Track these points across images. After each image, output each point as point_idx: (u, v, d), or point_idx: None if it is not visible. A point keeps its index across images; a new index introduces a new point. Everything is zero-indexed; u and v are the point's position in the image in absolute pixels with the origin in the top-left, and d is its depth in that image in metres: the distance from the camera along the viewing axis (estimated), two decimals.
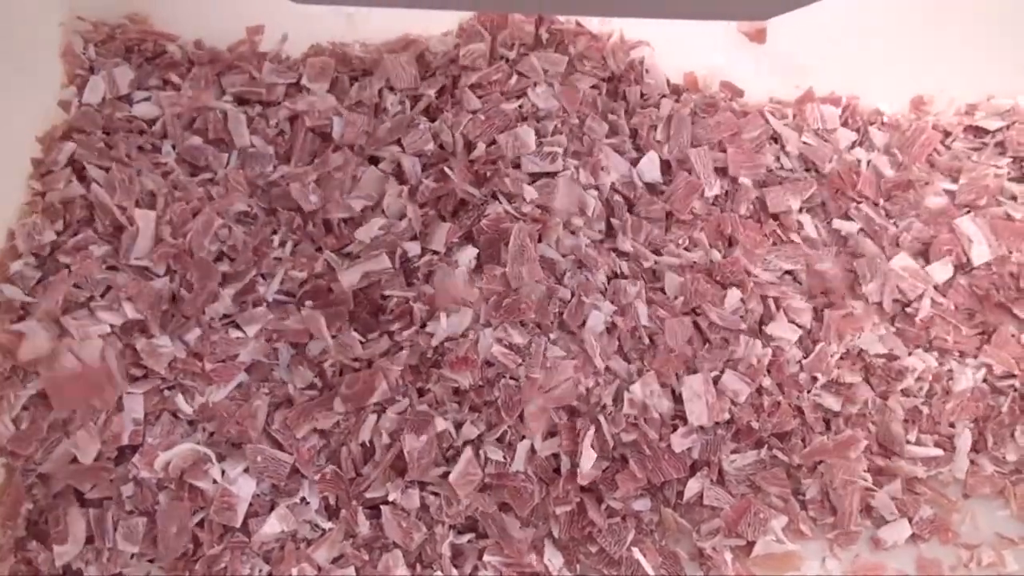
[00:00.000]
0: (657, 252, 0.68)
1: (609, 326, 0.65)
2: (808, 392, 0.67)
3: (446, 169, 0.66)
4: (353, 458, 0.61)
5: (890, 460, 0.66)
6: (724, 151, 0.72)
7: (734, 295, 0.67)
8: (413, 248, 0.64)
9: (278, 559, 0.59)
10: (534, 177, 0.67)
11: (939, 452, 0.66)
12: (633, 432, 0.63)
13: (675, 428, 0.64)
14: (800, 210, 0.71)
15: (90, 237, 0.63)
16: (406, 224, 0.65)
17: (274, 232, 0.65)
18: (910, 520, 0.65)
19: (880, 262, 0.70)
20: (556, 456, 0.62)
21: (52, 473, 0.58)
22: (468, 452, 0.61)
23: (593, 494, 0.62)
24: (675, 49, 0.74)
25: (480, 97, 0.69)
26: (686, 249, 0.68)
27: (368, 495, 0.61)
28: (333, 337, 0.62)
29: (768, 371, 0.66)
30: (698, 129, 0.71)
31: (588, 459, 0.61)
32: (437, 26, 0.72)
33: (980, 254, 0.70)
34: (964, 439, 0.67)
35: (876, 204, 0.72)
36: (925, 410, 0.67)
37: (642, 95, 0.72)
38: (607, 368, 0.64)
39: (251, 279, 0.63)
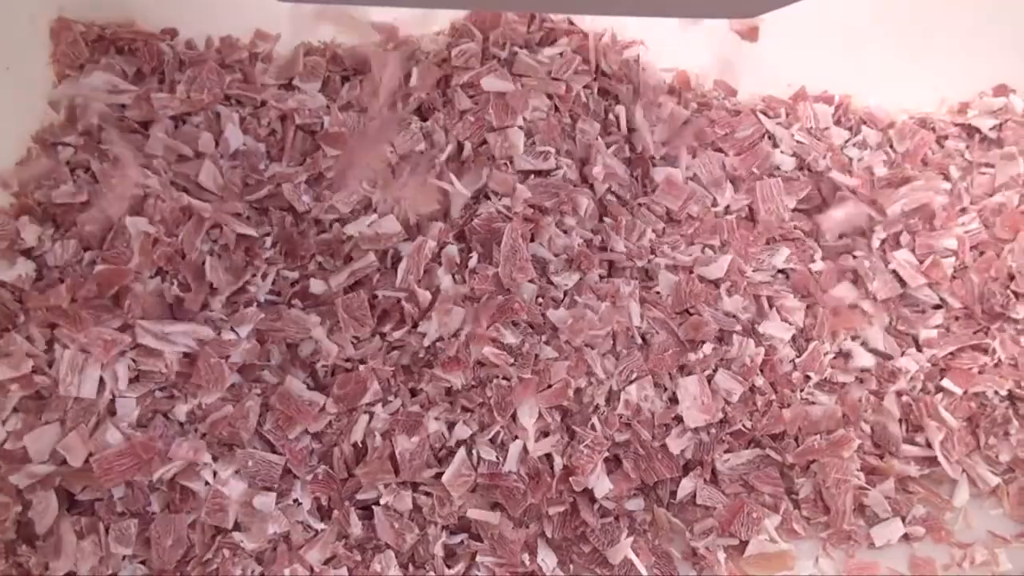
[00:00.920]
0: (651, 251, 0.68)
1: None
2: (801, 391, 0.67)
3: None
4: (345, 459, 0.61)
5: (883, 459, 0.66)
6: (718, 150, 0.71)
7: (736, 301, 0.67)
8: (405, 248, 0.64)
9: (270, 560, 0.59)
10: (526, 175, 0.67)
11: (933, 452, 0.66)
12: (626, 432, 0.63)
13: (667, 428, 0.63)
14: (793, 209, 0.71)
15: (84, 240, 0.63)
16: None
17: (267, 234, 0.65)
18: (903, 519, 0.65)
19: (875, 261, 0.70)
20: (548, 456, 0.62)
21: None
22: (461, 453, 0.60)
23: (586, 494, 0.62)
24: (668, 48, 0.74)
25: (471, 97, 0.68)
26: (679, 248, 0.68)
27: (360, 496, 0.60)
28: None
29: (761, 370, 0.66)
30: (692, 128, 0.71)
31: (602, 487, 0.61)
32: (429, 25, 0.72)
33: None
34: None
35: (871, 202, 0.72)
36: (920, 410, 0.67)
37: (635, 94, 0.71)
38: (600, 368, 0.64)
39: (243, 280, 0.63)
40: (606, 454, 0.61)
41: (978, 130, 0.75)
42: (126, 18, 0.69)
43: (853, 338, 0.68)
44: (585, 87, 0.71)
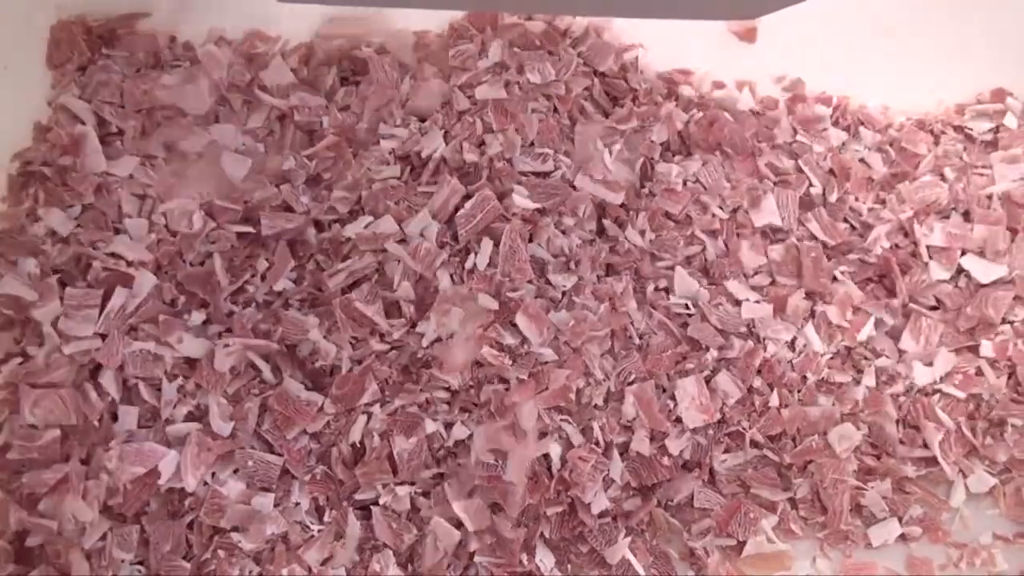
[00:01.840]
0: (651, 252, 0.68)
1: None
2: (799, 392, 0.67)
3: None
4: (344, 459, 0.61)
5: (880, 460, 0.66)
6: (716, 151, 0.71)
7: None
8: (403, 249, 0.64)
9: (268, 560, 0.59)
10: (525, 176, 0.67)
11: (931, 453, 0.66)
12: (625, 433, 0.63)
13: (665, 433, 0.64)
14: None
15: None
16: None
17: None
18: (900, 519, 0.66)
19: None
20: (546, 456, 0.62)
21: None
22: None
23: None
24: (666, 49, 0.74)
25: (469, 97, 0.68)
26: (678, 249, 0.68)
27: (358, 496, 0.61)
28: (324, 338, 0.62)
29: (759, 371, 0.66)
30: (691, 130, 0.71)
31: (600, 504, 0.61)
32: (426, 25, 0.72)
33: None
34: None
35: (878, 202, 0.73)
36: (917, 411, 0.67)
37: (634, 99, 0.72)
38: (599, 368, 0.64)
39: (242, 280, 0.63)
40: (606, 472, 0.62)
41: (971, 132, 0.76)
42: (125, 19, 0.69)
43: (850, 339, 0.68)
44: (585, 89, 0.71)
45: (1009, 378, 0.68)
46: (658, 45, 0.74)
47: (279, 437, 0.60)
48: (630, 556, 0.62)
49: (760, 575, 0.64)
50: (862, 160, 0.73)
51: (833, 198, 0.71)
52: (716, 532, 0.63)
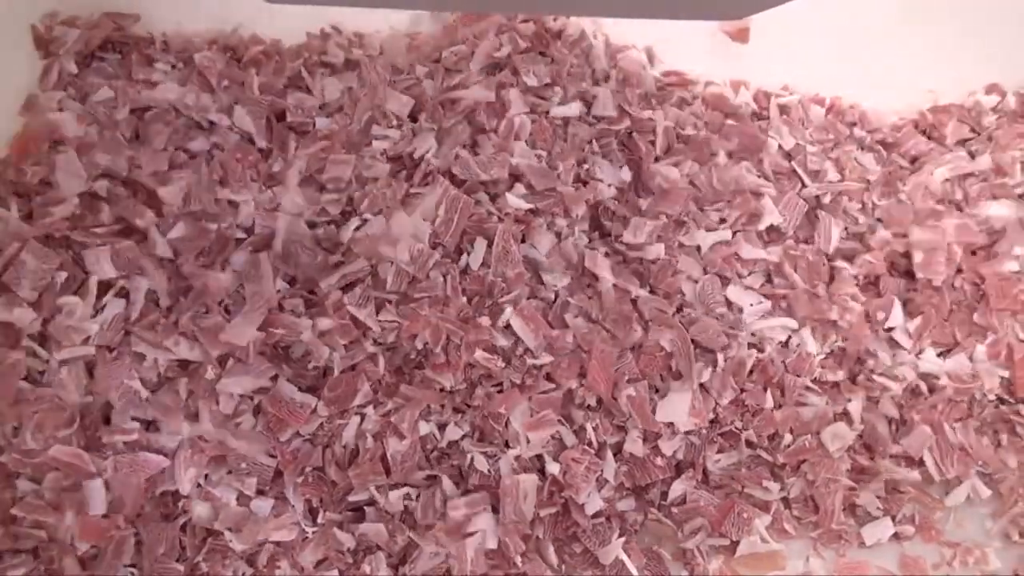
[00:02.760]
0: (644, 253, 0.68)
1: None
2: (792, 392, 0.67)
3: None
4: (337, 460, 0.61)
5: (873, 460, 0.67)
6: (711, 152, 0.71)
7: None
8: (396, 250, 0.64)
9: (261, 562, 0.59)
10: (518, 177, 0.67)
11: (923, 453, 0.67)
12: (618, 434, 0.63)
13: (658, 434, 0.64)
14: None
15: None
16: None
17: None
18: (893, 518, 0.66)
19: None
20: (540, 457, 0.62)
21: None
22: None
23: None
24: (659, 50, 0.74)
25: (461, 99, 0.68)
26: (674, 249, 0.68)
27: (351, 498, 0.60)
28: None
29: (751, 372, 0.66)
30: (685, 131, 0.71)
31: (594, 505, 0.61)
32: (419, 27, 0.72)
33: None
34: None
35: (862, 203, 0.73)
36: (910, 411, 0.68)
37: (628, 100, 0.71)
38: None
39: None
40: (599, 472, 0.62)
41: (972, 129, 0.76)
42: (113, 18, 0.69)
43: (844, 339, 0.68)
44: (579, 90, 0.71)
45: (1002, 379, 0.69)
46: (652, 46, 0.74)
47: (272, 439, 0.60)
48: (624, 556, 0.62)
49: (754, 575, 0.64)
50: (855, 160, 0.73)
51: (827, 199, 0.71)
52: (709, 532, 0.63)
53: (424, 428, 0.61)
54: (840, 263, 0.70)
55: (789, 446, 0.65)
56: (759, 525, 0.64)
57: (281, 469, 0.60)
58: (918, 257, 0.70)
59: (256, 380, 0.60)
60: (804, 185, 0.72)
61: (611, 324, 0.65)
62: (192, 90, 0.67)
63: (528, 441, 0.62)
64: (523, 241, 0.66)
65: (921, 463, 0.67)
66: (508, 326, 0.63)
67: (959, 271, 0.71)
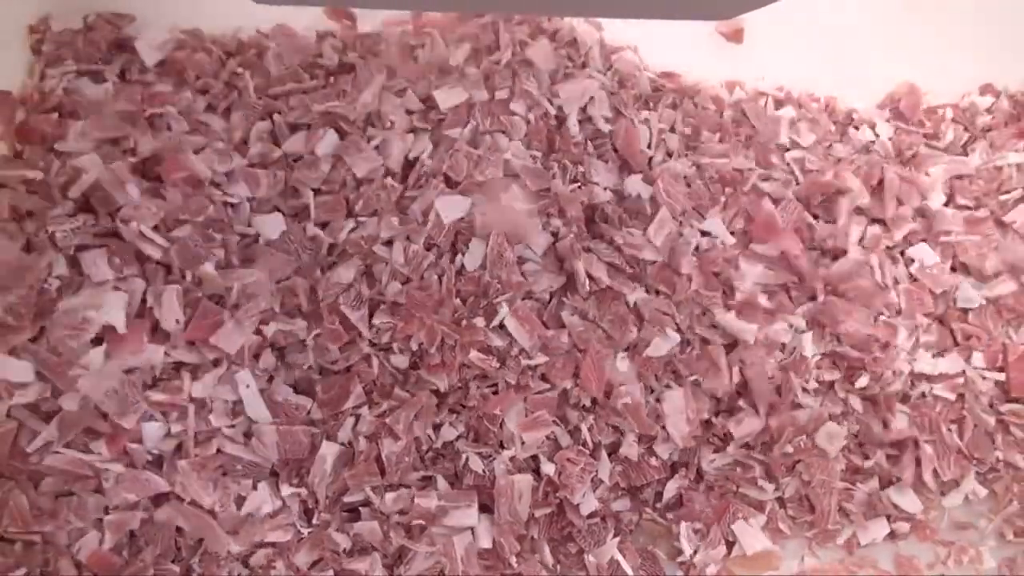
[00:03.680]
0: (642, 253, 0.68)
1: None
2: (788, 393, 0.67)
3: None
4: (332, 461, 0.61)
5: (868, 459, 0.67)
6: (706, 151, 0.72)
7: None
8: (391, 251, 0.64)
9: (256, 563, 0.59)
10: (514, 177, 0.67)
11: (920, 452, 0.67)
12: (613, 435, 0.63)
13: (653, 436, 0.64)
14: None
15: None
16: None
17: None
18: (888, 517, 0.66)
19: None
20: (535, 457, 0.62)
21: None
22: None
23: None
24: (653, 51, 0.74)
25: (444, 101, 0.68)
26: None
27: (347, 499, 0.61)
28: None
29: (743, 372, 0.66)
30: (681, 131, 0.72)
31: (589, 505, 0.61)
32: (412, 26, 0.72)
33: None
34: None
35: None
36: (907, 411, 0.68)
37: (623, 101, 0.71)
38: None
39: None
40: (594, 473, 0.62)
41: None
42: (106, 19, 0.69)
43: (840, 338, 0.68)
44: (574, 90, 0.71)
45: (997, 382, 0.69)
46: (646, 46, 0.74)
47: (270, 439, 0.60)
48: (619, 556, 0.62)
49: (749, 575, 0.64)
50: (851, 160, 0.73)
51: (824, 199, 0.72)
52: (704, 532, 0.63)
53: (418, 428, 0.61)
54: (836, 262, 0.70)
55: (785, 446, 0.66)
56: (754, 525, 0.64)
57: (276, 470, 0.60)
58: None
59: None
60: (797, 183, 0.71)
61: (607, 324, 0.65)
62: (186, 92, 0.67)
63: (523, 442, 0.62)
64: (519, 242, 0.66)
65: (917, 464, 0.67)
66: (502, 326, 0.63)
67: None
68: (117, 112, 0.64)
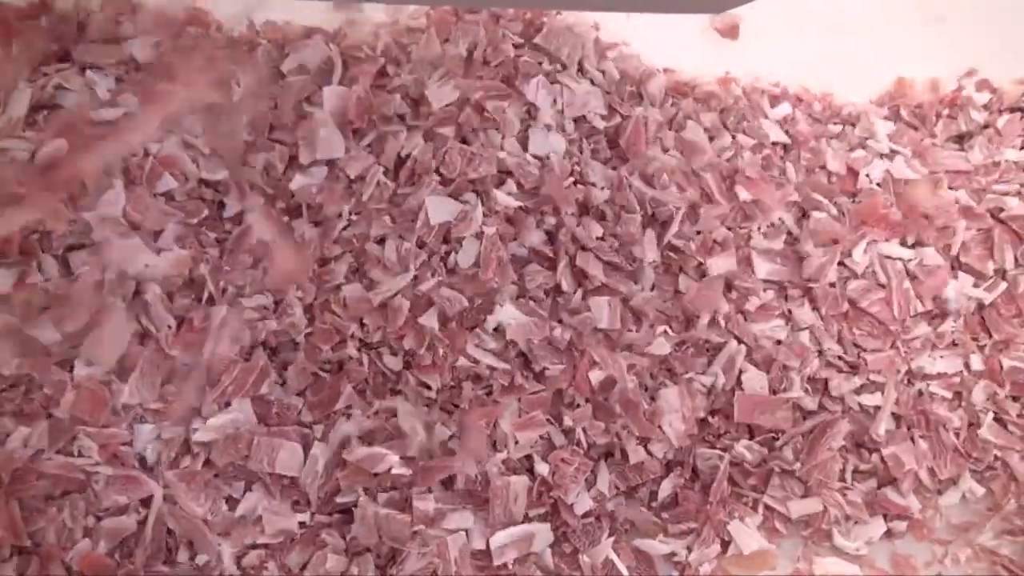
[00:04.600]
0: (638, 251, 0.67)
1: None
2: (786, 391, 0.67)
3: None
4: (325, 462, 0.61)
5: (864, 458, 0.66)
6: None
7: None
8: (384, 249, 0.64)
9: (249, 564, 0.59)
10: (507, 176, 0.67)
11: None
12: (607, 435, 0.63)
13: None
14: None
15: None
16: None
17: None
18: (885, 516, 0.66)
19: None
20: (529, 457, 0.62)
21: None
22: None
23: None
24: (648, 47, 0.73)
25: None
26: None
27: (339, 500, 0.60)
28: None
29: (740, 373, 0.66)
30: (675, 128, 0.71)
31: (583, 505, 0.61)
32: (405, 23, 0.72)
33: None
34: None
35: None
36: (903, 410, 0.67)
37: (619, 97, 0.71)
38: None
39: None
40: (588, 473, 0.62)
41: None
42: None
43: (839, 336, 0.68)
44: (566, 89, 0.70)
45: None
46: (640, 43, 0.73)
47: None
48: (613, 556, 0.61)
49: (745, 574, 0.64)
50: (845, 158, 0.73)
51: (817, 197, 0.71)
52: (699, 531, 0.63)
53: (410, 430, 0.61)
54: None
55: (783, 445, 0.65)
56: (750, 524, 0.64)
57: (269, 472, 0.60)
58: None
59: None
60: (794, 180, 0.71)
61: (603, 323, 0.64)
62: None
63: (517, 442, 0.62)
64: (513, 239, 0.66)
65: (915, 462, 0.66)
66: (497, 328, 0.63)
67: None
68: None
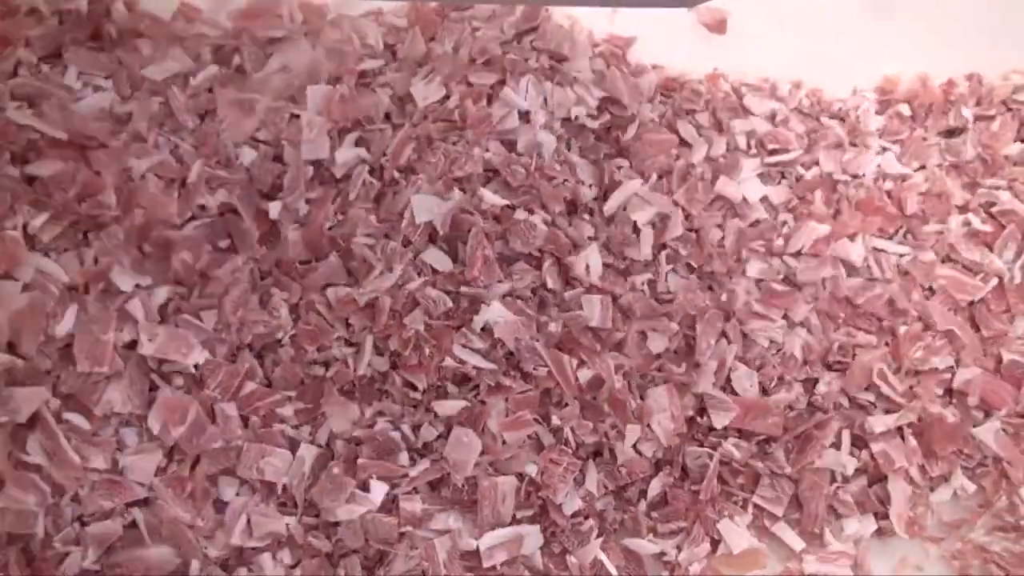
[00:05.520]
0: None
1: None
2: (775, 389, 0.66)
3: None
4: (311, 462, 0.60)
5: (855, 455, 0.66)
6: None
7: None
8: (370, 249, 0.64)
9: (235, 566, 0.58)
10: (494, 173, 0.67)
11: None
12: (596, 435, 0.63)
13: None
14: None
15: None
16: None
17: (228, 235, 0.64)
18: (876, 514, 0.65)
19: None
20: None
21: None
22: None
23: None
24: (637, 43, 0.73)
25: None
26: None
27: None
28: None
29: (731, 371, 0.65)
30: (664, 123, 0.71)
31: (572, 505, 0.61)
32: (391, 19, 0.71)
33: None
34: None
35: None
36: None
37: (608, 94, 0.71)
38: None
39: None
40: (577, 473, 0.61)
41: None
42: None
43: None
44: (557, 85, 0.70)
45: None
46: (629, 39, 0.73)
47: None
48: (602, 556, 0.61)
49: (735, 574, 0.63)
50: (835, 153, 0.72)
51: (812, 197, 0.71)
52: (689, 530, 0.63)
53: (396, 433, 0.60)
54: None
55: (772, 443, 0.65)
56: (740, 523, 0.64)
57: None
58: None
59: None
60: (784, 177, 0.71)
61: (594, 322, 0.64)
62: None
63: (504, 442, 0.61)
64: (500, 238, 0.65)
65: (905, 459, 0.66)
66: (484, 328, 0.62)
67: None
68: None
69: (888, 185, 0.72)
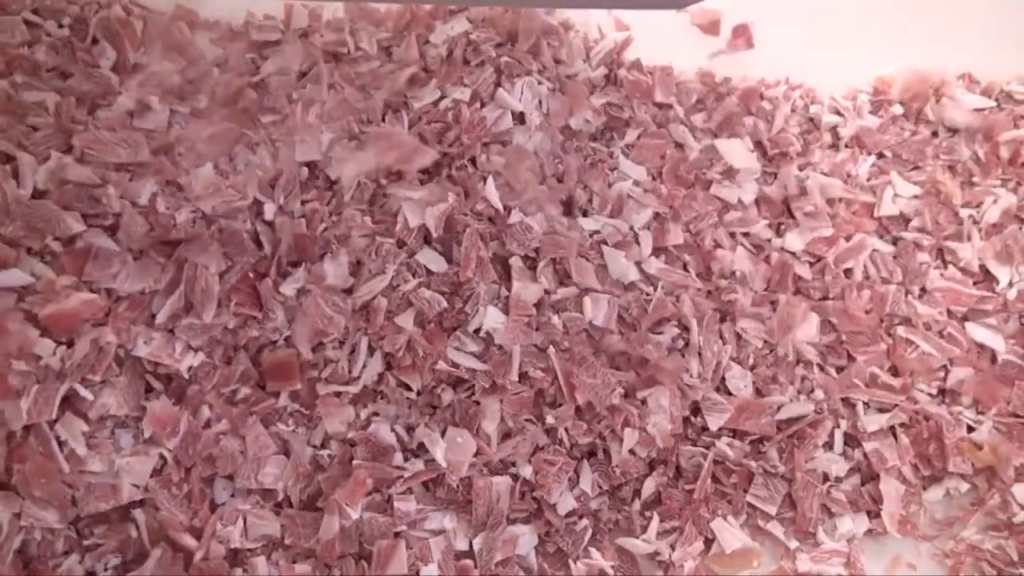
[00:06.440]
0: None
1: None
2: (769, 390, 0.66)
3: None
4: (306, 463, 0.61)
5: (848, 455, 0.66)
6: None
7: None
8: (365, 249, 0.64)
9: (230, 565, 0.59)
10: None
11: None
12: (590, 435, 0.63)
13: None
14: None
15: None
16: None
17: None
18: (869, 513, 0.66)
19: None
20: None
21: None
22: None
23: None
24: (631, 45, 0.73)
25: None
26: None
27: (320, 503, 0.60)
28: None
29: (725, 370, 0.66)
30: (658, 125, 0.71)
31: (566, 505, 0.61)
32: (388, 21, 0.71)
33: None
34: None
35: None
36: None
37: (604, 95, 0.71)
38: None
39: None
40: (571, 473, 0.62)
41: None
42: None
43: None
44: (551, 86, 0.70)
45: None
46: (623, 40, 0.73)
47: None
48: (596, 555, 0.61)
49: (728, 573, 0.63)
50: (830, 154, 0.72)
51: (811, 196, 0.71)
52: (683, 529, 0.63)
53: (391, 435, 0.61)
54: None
55: (766, 443, 0.65)
56: (733, 522, 0.64)
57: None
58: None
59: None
60: (776, 176, 0.71)
61: (589, 326, 0.64)
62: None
63: (499, 442, 0.62)
64: (495, 239, 0.65)
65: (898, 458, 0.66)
66: (479, 330, 0.62)
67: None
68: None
69: (883, 185, 0.72)
